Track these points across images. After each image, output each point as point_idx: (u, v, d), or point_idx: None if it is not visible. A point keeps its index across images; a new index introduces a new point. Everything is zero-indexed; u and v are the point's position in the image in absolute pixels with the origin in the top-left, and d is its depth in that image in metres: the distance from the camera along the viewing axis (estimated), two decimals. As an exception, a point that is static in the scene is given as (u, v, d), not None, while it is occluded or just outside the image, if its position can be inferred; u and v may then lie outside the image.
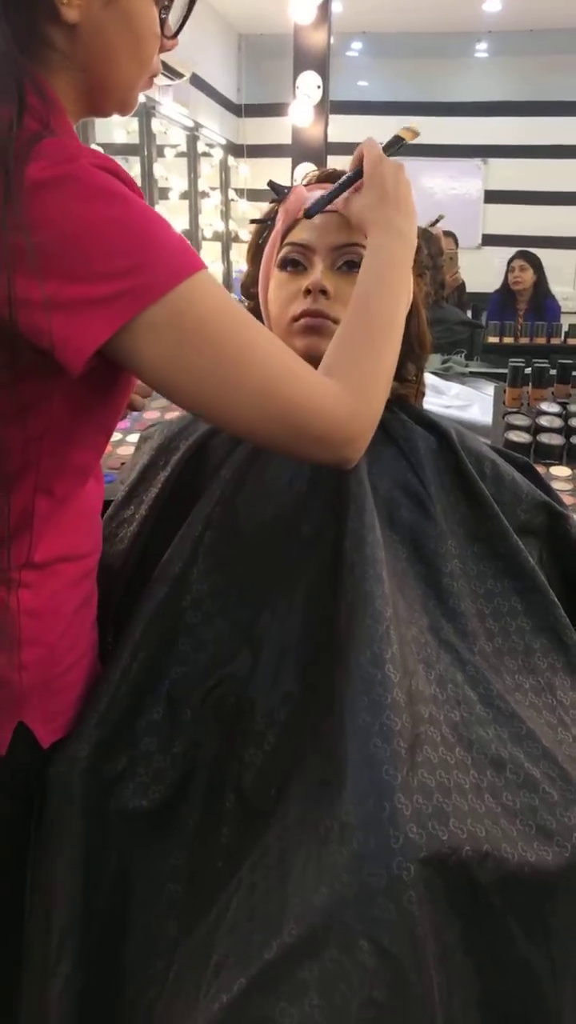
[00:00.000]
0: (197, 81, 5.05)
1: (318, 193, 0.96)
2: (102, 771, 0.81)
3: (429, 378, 2.13)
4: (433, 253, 2.86)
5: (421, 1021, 0.65)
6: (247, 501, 0.92)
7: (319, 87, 2.70)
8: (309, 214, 0.86)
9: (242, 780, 0.81)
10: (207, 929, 0.74)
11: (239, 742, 0.82)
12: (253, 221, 1.01)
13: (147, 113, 4.46)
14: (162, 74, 4.46)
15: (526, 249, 4.11)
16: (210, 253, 5.53)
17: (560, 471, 1.64)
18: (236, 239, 5.71)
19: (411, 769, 0.73)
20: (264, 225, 0.99)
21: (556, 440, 1.66)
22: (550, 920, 0.73)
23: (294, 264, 0.94)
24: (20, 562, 0.76)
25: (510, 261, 4.08)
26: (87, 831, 0.80)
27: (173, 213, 4.94)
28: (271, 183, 0.97)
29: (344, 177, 0.91)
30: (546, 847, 0.74)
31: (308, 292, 0.92)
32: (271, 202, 0.97)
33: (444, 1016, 0.67)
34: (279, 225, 0.96)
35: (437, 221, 3.45)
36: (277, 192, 0.96)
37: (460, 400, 2.00)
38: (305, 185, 0.98)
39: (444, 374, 2.26)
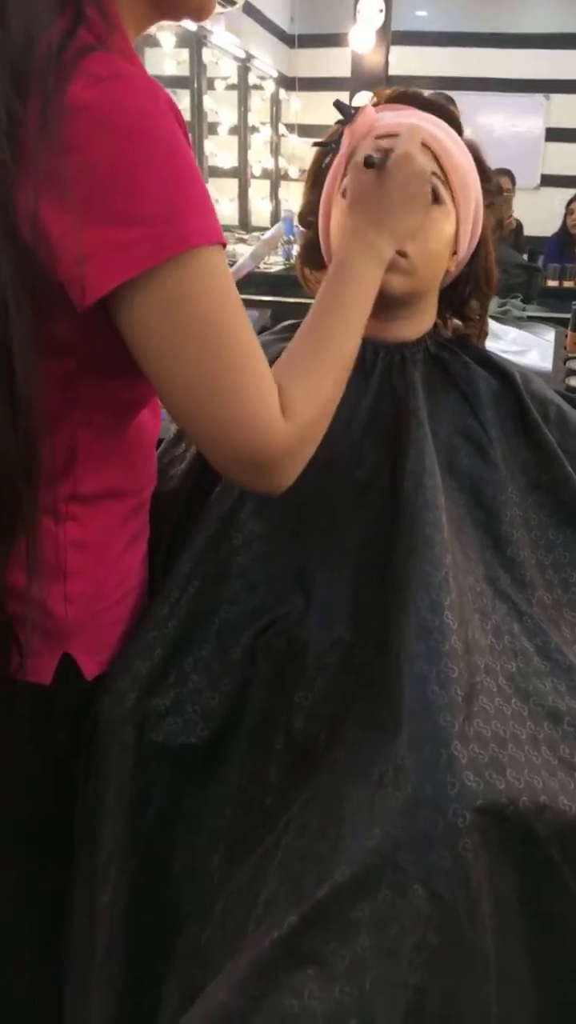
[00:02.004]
0: (249, 9, 4.87)
1: (387, 114, 0.90)
2: (150, 706, 0.81)
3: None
4: (494, 189, 2.75)
5: (473, 968, 0.65)
6: None
7: (381, 11, 2.58)
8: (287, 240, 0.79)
9: (292, 722, 0.80)
10: (254, 866, 0.74)
11: (289, 684, 0.81)
12: (315, 143, 0.95)
13: (198, 43, 4.34)
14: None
15: (585, 191, 3.96)
16: (258, 191, 5.41)
17: (623, 420, 1.57)
18: (285, 177, 5.58)
19: (467, 718, 0.72)
20: (327, 148, 0.94)
21: (619, 388, 1.60)
22: None
23: None
24: (67, 494, 0.75)
25: (569, 203, 3.93)
26: (134, 765, 0.80)
27: (222, 148, 4.83)
28: (337, 103, 0.91)
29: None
30: None
31: None
32: (336, 123, 0.92)
33: (496, 964, 0.67)
34: (344, 149, 0.91)
35: None
36: (344, 113, 0.90)
37: (518, 345, 1.93)
38: (375, 105, 0.93)
39: (501, 318, 2.18)
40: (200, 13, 0.74)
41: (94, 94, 0.59)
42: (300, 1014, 0.62)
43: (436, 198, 0.88)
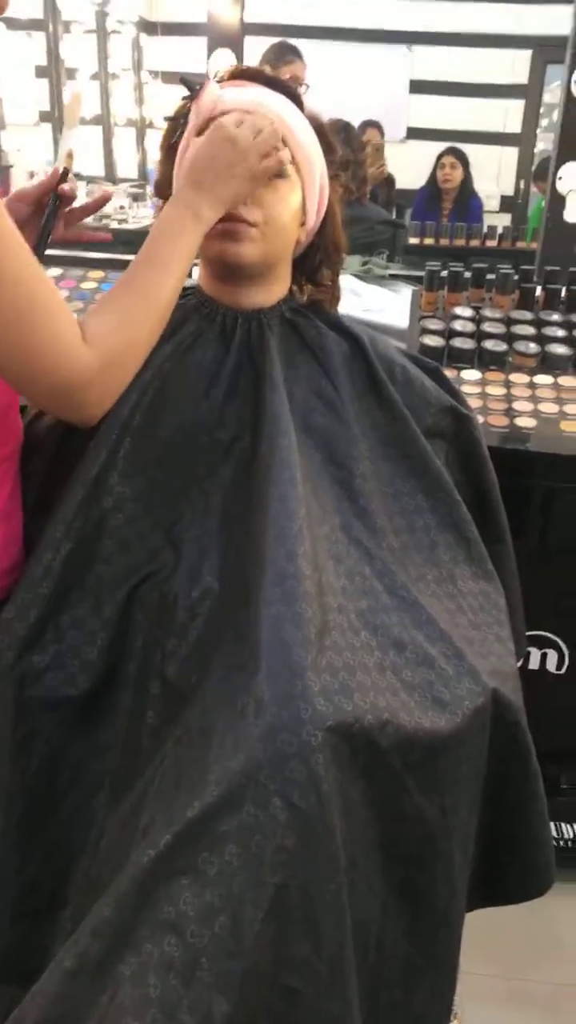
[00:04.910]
0: (104, -54, 4.67)
1: (231, 90, 0.95)
2: (30, 663, 0.86)
3: (348, 281, 2.12)
4: (354, 148, 2.80)
5: (326, 862, 0.75)
6: (166, 408, 0.95)
7: (236, -42, 2.53)
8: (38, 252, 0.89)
9: (166, 668, 0.86)
10: (134, 799, 0.81)
11: (163, 634, 0.88)
12: (166, 119, 0.99)
13: (51, -18, 4.13)
14: None
15: (456, 145, 4.05)
16: (123, 141, 5.24)
17: (471, 375, 1.69)
18: (151, 126, 5.42)
19: (320, 652, 0.80)
20: (177, 123, 0.97)
21: (468, 344, 1.72)
22: (441, 775, 0.84)
23: None
24: None
25: (440, 157, 4.02)
26: (15, 719, 0.86)
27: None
28: (183, 79, 0.94)
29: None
30: (439, 715, 0.83)
31: None
32: (183, 99, 0.95)
33: (347, 858, 0.77)
34: (191, 126, 0.94)
35: None
36: (189, 88, 0.94)
37: (378, 304, 2.02)
38: (218, 82, 0.96)
39: (364, 276, 2.26)
40: None
41: None
42: (176, 919, 0.70)
43: (280, 173, 0.93)
